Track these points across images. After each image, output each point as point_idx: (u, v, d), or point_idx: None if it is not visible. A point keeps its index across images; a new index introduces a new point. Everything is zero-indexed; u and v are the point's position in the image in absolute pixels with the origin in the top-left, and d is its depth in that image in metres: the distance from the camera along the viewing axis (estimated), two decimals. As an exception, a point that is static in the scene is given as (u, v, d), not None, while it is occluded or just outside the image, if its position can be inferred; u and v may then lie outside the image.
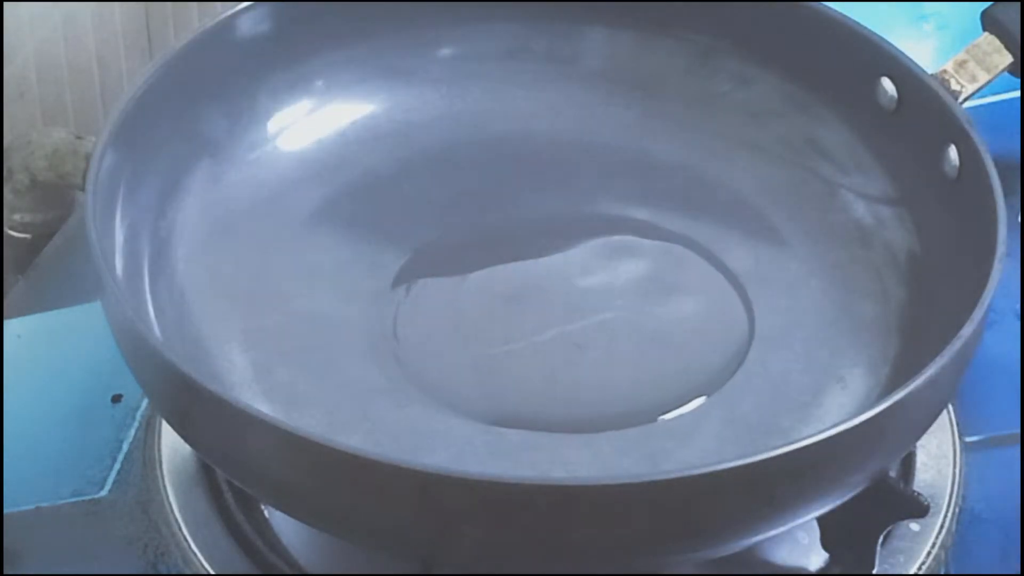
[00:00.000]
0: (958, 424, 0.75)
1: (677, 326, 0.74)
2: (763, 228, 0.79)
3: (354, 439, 0.67)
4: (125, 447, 0.75)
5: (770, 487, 0.59)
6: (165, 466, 0.73)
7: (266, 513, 0.71)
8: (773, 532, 0.63)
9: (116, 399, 0.77)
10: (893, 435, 0.63)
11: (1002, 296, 0.69)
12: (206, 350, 0.72)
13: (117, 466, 0.74)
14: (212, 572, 0.69)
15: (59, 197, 0.90)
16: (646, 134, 0.82)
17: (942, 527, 0.71)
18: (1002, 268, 0.65)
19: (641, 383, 0.72)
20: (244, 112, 0.79)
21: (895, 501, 0.68)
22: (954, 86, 0.76)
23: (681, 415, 0.70)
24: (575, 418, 0.70)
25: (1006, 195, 0.69)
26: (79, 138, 0.88)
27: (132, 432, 0.75)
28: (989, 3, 0.79)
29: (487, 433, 0.69)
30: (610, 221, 0.79)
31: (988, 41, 0.78)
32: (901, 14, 0.99)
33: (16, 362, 0.79)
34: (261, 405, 0.69)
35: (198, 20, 1.07)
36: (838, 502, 0.64)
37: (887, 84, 0.77)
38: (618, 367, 0.73)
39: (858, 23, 0.78)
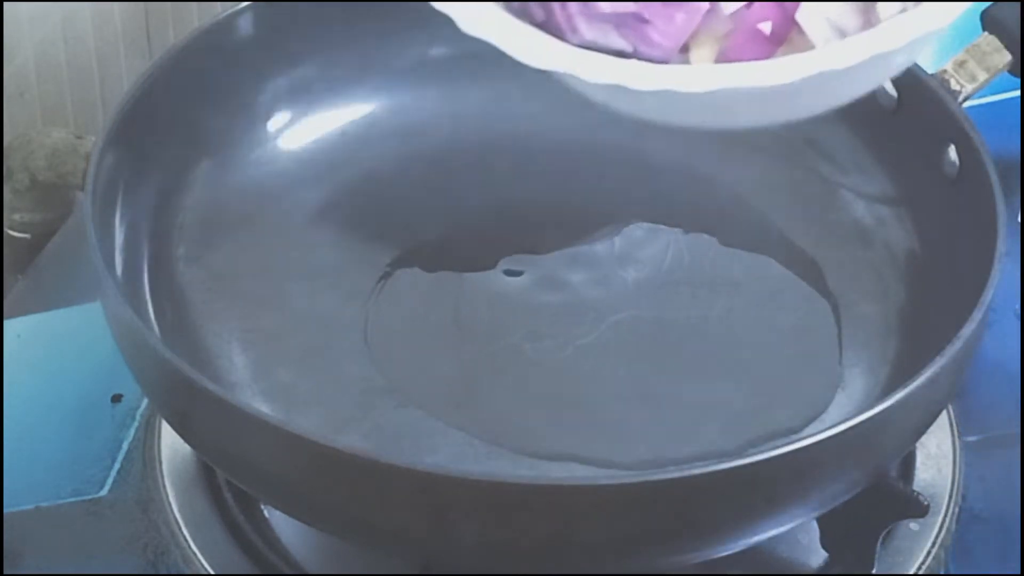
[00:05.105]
0: (958, 424, 0.75)
1: (680, 328, 0.74)
2: (763, 228, 0.79)
3: (354, 439, 0.67)
4: (125, 447, 0.75)
5: (770, 487, 0.59)
6: (165, 466, 0.73)
7: (266, 513, 0.71)
8: (773, 532, 0.63)
9: (116, 399, 0.77)
10: (893, 435, 0.63)
11: (1002, 296, 0.69)
12: (206, 350, 0.72)
13: (117, 466, 0.74)
14: (212, 572, 0.69)
15: (59, 197, 0.90)
16: (646, 134, 0.82)
17: (942, 527, 0.71)
18: (1002, 268, 0.65)
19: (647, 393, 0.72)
20: (244, 112, 0.79)
21: (895, 501, 0.68)
22: (954, 86, 0.76)
23: (681, 413, 0.71)
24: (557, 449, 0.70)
25: (1006, 195, 0.69)
26: (79, 138, 0.88)
27: (132, 432, 0.75)
28: (989, 3, 0.79)
29: (487, 433, 0.69)
30: (610, 221, 0.79)
31: (988, 41, 0.78)
32: (901, 14, 0.99)
33: (16, 362, 0.79)
34: (261, 405, 0.69)
35: (198, 20, 1.07)
36: (838, 502, 0.64)
37: (887, 84, 0.76)
38: (622, 370, 0.73)
39: (858, 23, 0.78)
